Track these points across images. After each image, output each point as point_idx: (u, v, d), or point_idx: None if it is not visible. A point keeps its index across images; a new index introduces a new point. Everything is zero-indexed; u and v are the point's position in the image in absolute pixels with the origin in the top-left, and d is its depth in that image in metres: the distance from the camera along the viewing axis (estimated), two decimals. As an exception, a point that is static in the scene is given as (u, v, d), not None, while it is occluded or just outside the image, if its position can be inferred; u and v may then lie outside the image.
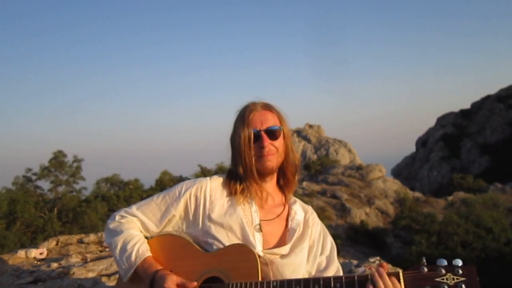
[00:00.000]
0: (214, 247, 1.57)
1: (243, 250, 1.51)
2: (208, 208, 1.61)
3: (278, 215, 1.67)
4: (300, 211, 1.73)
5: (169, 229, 1.67)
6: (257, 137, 1.58)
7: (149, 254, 1.56)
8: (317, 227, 1.74)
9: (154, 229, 1.63)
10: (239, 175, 1.62)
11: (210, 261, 1.54)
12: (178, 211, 1.62)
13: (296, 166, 1.70)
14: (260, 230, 1.60)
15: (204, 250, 1.58)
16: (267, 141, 1.57)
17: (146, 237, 1.65)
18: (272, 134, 1.59)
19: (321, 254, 1.72)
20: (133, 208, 1.64)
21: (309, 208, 1.79)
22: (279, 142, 1.61)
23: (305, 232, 1.69)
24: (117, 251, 1.56)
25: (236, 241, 1.57)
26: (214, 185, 1.66)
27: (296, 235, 1.66)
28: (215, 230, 1.58)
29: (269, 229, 1.63)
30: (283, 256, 1.59)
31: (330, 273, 1.68)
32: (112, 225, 1.62)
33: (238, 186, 1.62)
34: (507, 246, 19.21)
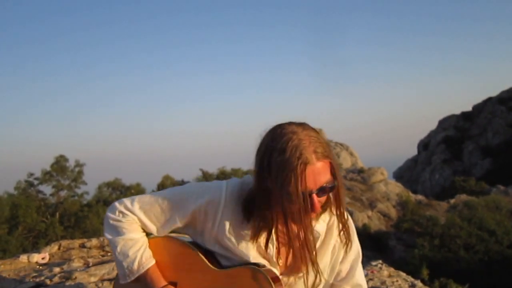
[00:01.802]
0: (223, 263, 1.47)
1: (258, 278, 1.38)
2: (217, 226, 1.44)
3: (297, 232, 1.43)
4: (323, 216, 1.49)
5: (173, 234, 1.57)
6: (308, 197, 1.30)
7: (152, 263, 1.48)
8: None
9: (155, 233, 1.52)
10: (264, 212, 1.39)
11: (220, 280, 1.43)
12: (184, 222, 1.47)
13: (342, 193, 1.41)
14: (277, 262, 1.47)
15: (212, 263, 1.46)
16: (317, 203, 1.31)
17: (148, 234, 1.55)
18: (324, 192, 1.33)
19: (342, 262, 1.54)
20: (136, 207, 1.48)
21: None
22: (327, 195, 1.37)
23: (327, 241, 1.50)
24: (118, 253, 1.48)
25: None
26: (229, 202, 1.44)
27: (316, 250, 1.46)
28: (225, 252, 1.46)
29: (286, 249, 1.46)
30: (300, 277, 1.47)
31: (347, 285, 1.55)
32: (112, 220, 1.49)
33: (256, 218, 1.40)
34: (510, 248, 19.14)
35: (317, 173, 1.28)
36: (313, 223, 1.45)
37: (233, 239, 1.43)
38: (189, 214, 1.45)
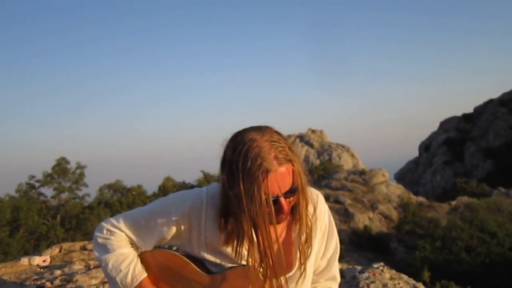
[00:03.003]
0: (213, 270, 1.45)
1: (250, 276, 1.37)
2: (203, 230, 1.43)
3: (280, 233, 1.46)
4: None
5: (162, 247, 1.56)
6: (275, 203, 1.29)
7: (145, 275, 1.48)
8: (321, 224, 1.52)
9: (143, 247, 1.52)
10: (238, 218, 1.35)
11: (215, 285, 1.43)
12: (170, 233, 1.46)
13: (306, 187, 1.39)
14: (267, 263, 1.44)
15: (203, 271, 1.46)
16: (285, 206, 1.31)
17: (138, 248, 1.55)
18: (291, 193, 1.32)
19: (322, 257, 1.55)
20: (122, 224, 1.49)
21: (315, 196, 1.51)
22: (295, 195, 1.35)
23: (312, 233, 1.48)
24: (110, 270, 1.48)
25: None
26: (210, 205, 1.43)
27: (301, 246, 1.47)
28: (215, 256, 1.45)
29: (273, 250, 1.40)
30: (290, 277, 1.45)
31: (323, 279, 1.59)
32: (100, 239, 1.50)
33: (234, 229, 1.38)
34: (511, 250, 19.11)
35: (281, 178, 1.27)
36: (296, 224, 1.45)
37: (222, 240, 1.41)
38: (174, 224, 1.44)
